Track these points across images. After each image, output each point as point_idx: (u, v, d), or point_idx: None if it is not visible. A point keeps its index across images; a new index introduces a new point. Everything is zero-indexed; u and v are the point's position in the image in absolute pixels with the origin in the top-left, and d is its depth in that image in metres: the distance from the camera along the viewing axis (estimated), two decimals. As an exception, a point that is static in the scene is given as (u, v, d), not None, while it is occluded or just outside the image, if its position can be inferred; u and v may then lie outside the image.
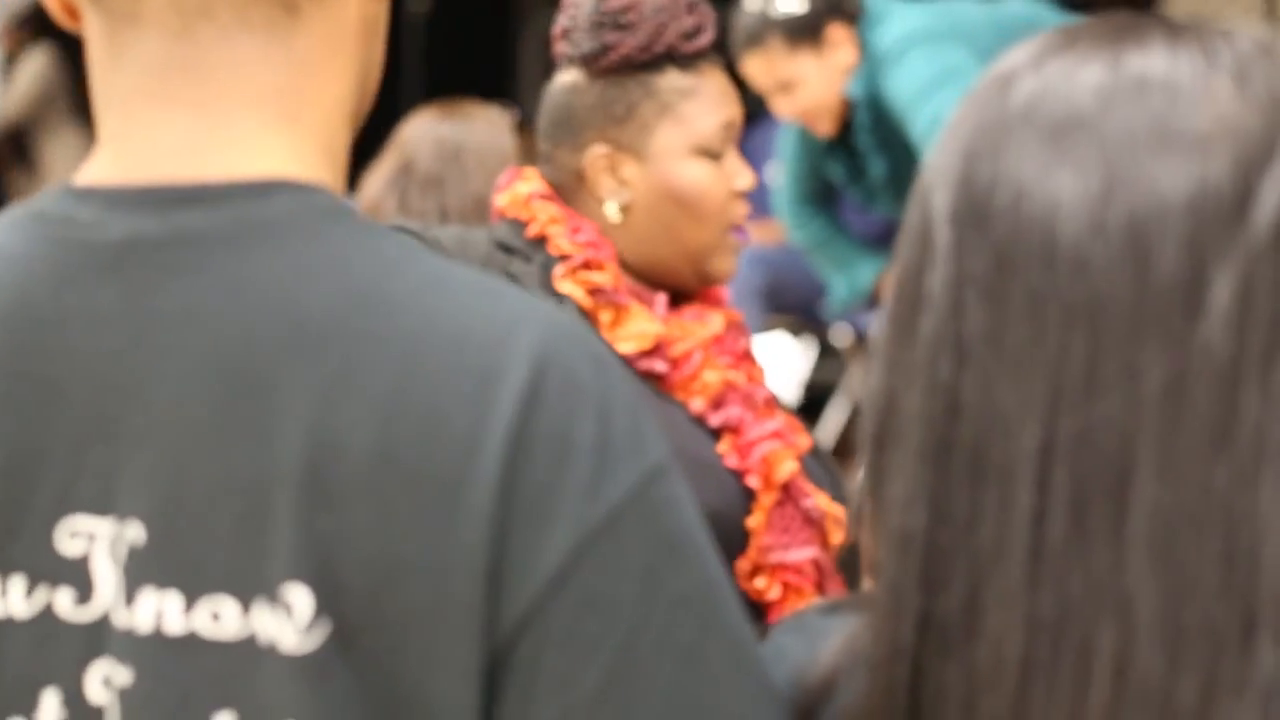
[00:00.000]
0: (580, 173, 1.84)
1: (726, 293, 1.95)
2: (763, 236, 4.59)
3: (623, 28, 1.82)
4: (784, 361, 3.74)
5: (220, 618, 0.75)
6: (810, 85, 3.30)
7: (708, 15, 1.85)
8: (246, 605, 0.75)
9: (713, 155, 1.84)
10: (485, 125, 2.49)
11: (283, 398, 0.75)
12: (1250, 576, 0.71)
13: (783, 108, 3.39)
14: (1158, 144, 0.74)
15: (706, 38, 1.84)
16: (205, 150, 0.80)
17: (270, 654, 0.74)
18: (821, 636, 0.84)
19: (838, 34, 3.25)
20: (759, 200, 4.48)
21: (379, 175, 2.53)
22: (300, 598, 0.74)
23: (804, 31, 3.26)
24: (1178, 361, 0.72)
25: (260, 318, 0.76)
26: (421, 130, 2.49)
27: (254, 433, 0.75)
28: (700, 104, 1.84)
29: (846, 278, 3.75)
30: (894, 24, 3.18)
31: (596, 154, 1.84)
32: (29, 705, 0.78)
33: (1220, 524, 0.72)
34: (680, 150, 1.84)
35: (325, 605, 0.74)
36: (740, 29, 3.34)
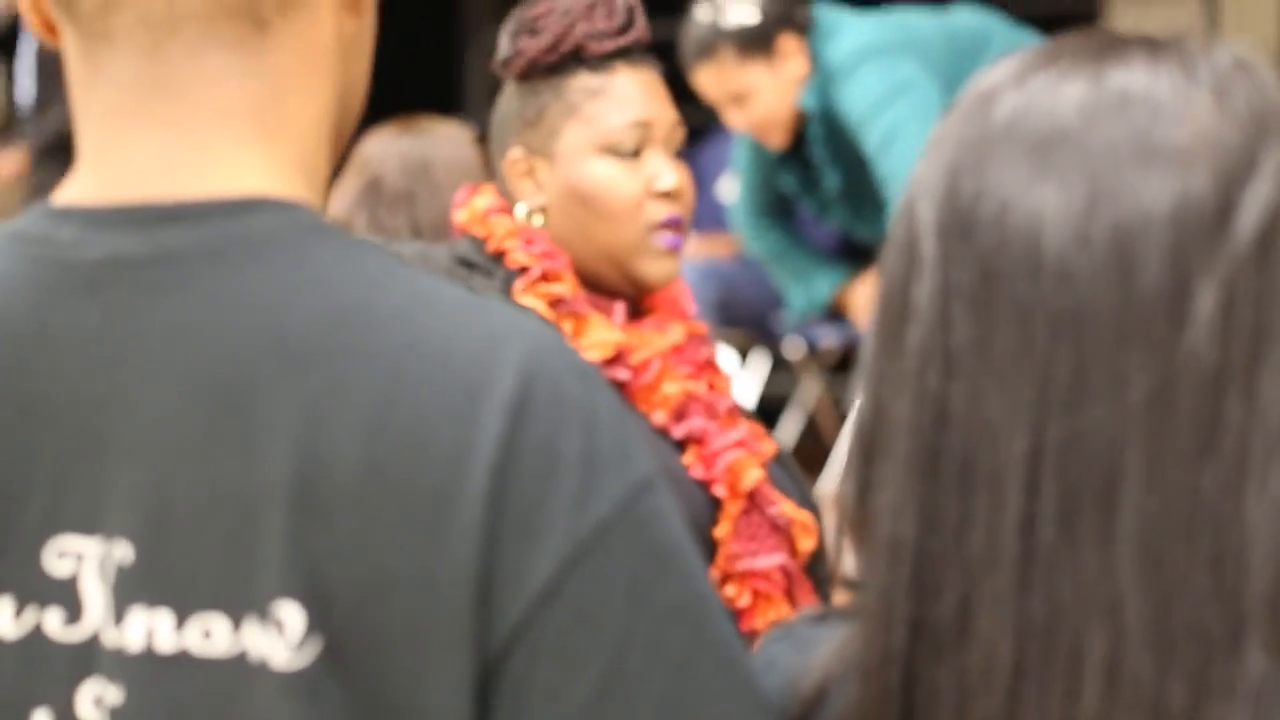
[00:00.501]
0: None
1: (688, 303, 1.96)
2: (715, 250, 4.60)
3: (533, 33, 1.84)
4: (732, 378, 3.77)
5: (211, 635, 0.75)
6: (762, 97, 3.32)
7: (624, 17, 1.85)
8: (237, 623, 0.75)
9: (621, 154, 1.83)
10: (448, 139, 2.48)
11: (269, 414, 0.75)
12: (1238, 581, 0.73)
13: (734, 119, 3.41)
14: (1140, 158, 0.76)
15: (619, 39, 1.84)
16: (182, 168, 0.80)
17: (261, 671, 0.74)
18: (812, 645, 0.85)
19: (789, 45, 3.27)
20: (712, 214, 4.49)
21: (343, 194, 2.52)
22: (291, 614, 0.74)
23: (755, 43, 3.27)
24: (1163, 370, 0.74)
25: (245, 335, 0.76)
26: (384, 147, 2.48)
27: (240, 449, 0.75)
28: (608, 103, 1.84)
29: (804, 289, 3.77)
30: (846, 37, 3.20)
31: (513, 159, 1.87)
32: None
33: (1207, 529, 0.73)
34: (585, 149, 1.84)
35: (316, 621, 0.74)
36: (691, 40, 3.35)
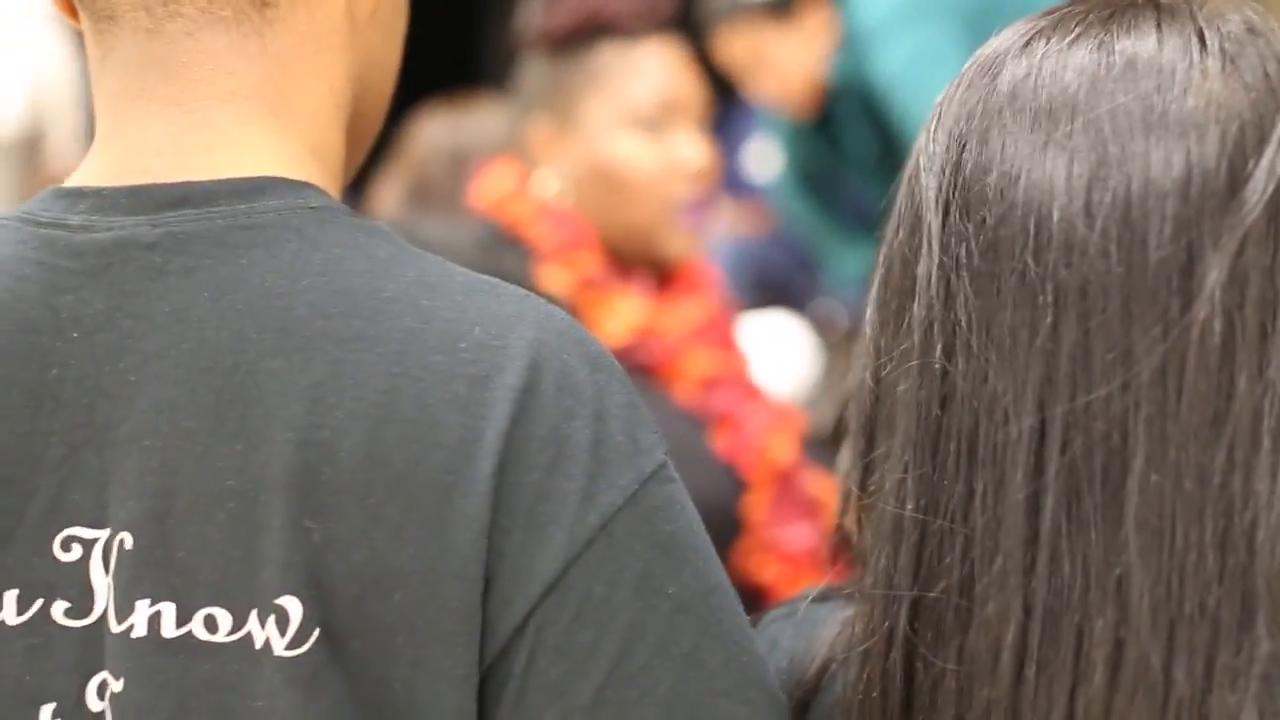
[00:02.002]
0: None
1: (713, 279, 1.94)
2: (747, 219, 4.57)
3: (558, 3, 1.82)
4: (786, 344, 3.72)
5: (214, 625, 0.74)
6: (785, 65, 3.27)
7: None
8: (239, 613, 0.74)
9: (646, 129, 1.81)
10: (491, 124, 2.46)
11: (272, 402, 0.74)
12: (1247, 562, 0.71)
13: (757, 89, 3.36)
14: (1148, 127, 0.73)
15: (643, 10, 1.82)
16: (188, 148, 0.79)
17: (263, 661, 0.73)
18: (814, 626, 0.83)
19: (813, 12, 3.22)
20: (743, 181, 4.45)
21: (391, 189, 2.51)
22: (292, 604, 0.73)
23: (778, 10, 3.22)
24: (1171, 345, 0.71)
25: (249, 321, 0.75)
26: (429, 143, 2.47)
27: (242, 438, 0.74)
28: (634, 77, 1.81)
29: (841, 260, 3.73)
30: (871, 0, 3.15)
31: (537, 131, 1.85)
32: (28, 717, 0.77)
33: (1216, 509, 0.71)
34: (609, 123, 1.81)
35: (316, 611, 0.73)
36: (713, 8, 3.30)
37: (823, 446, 1.89)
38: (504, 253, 1.81)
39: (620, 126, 1.80)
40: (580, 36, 1.83)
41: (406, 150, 2.53)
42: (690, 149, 1.81)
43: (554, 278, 1.79)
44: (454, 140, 2.47)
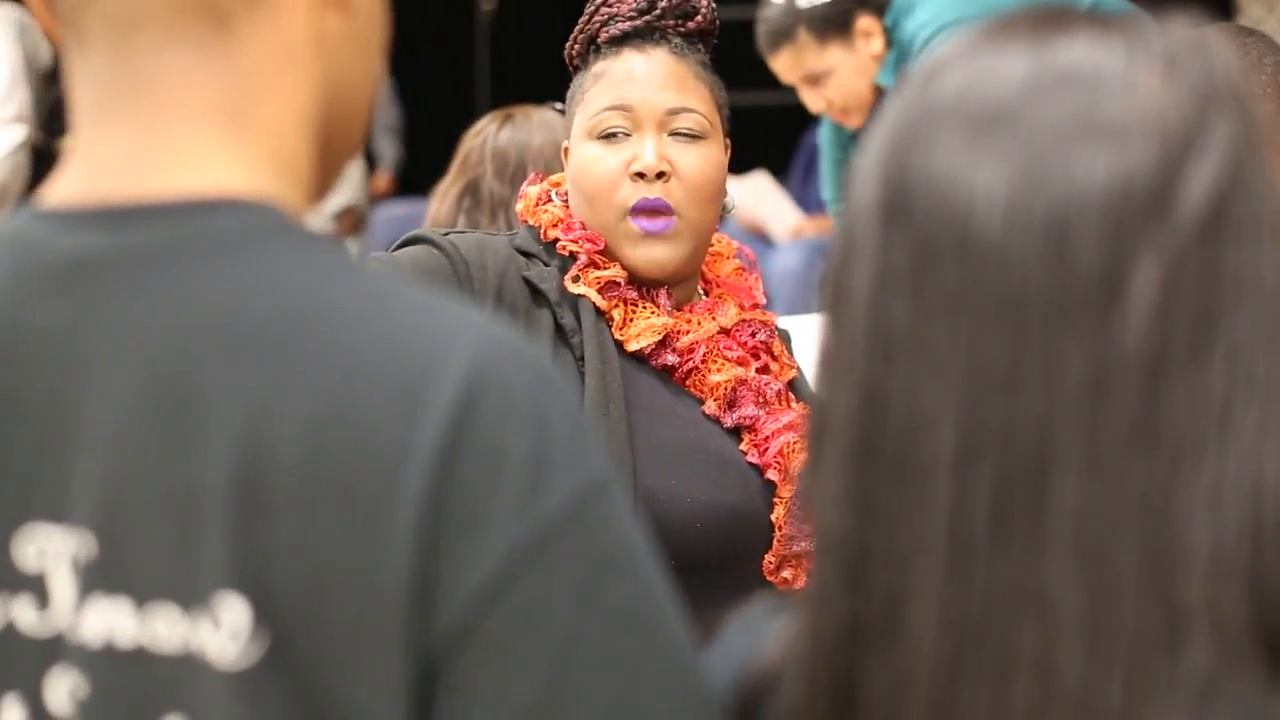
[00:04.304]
0: None
1: (754, 287, 1.93)
2: (822, 230, 4.57)
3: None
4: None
5: (164, 627, 0.75)
6: (841, 78, 3.26)
7: (645, 0, 1.84)
8: (186, 615, 0.75)
9: (604, 137, 1.82)
10: (544, 131, 2.48)
11: (215, 410, 0.75)
12: (1174, 576, 0.70)
13: (813, 102, 3.36)
14: (1079, 135, 0.73)
15: (629, 23, 1.83)
16: (150, 165, 0.81)
17: (208, 667, 0.74)
18: (765, 636, 0.83)
19: (867, 25, 3.22)
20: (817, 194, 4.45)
21: (444, 195, 2.53)
22: (234, 609, 0.73)
23: (833, 24, 3.22)
24: (1098, 357, 0.71)
25: (197, 332, 0.76)
26: (481, 150, 2.49)
27: (186, 444, 0.75)
28: (600, 88, 1.83)
29: None
30: (923, 12, 3.14)
31: (563, 148, 1.89)
32: None
33: (1144, 523, 0.70)
34: (580, 134, 1.84)
35: (262, 616, 0.73)
36: (768, 24, 3.31)
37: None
38: (536, 261, 1.82)
39: (586, 136, 1.83)
40: (583, 52, 1.87)
41: (464, 157, 2.54)
42: (641, 152, 1.80)
43: (580, 285, 1.80)
44: (499, 146, 2.49)
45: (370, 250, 6.27)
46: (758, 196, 4.83)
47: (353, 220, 6.59)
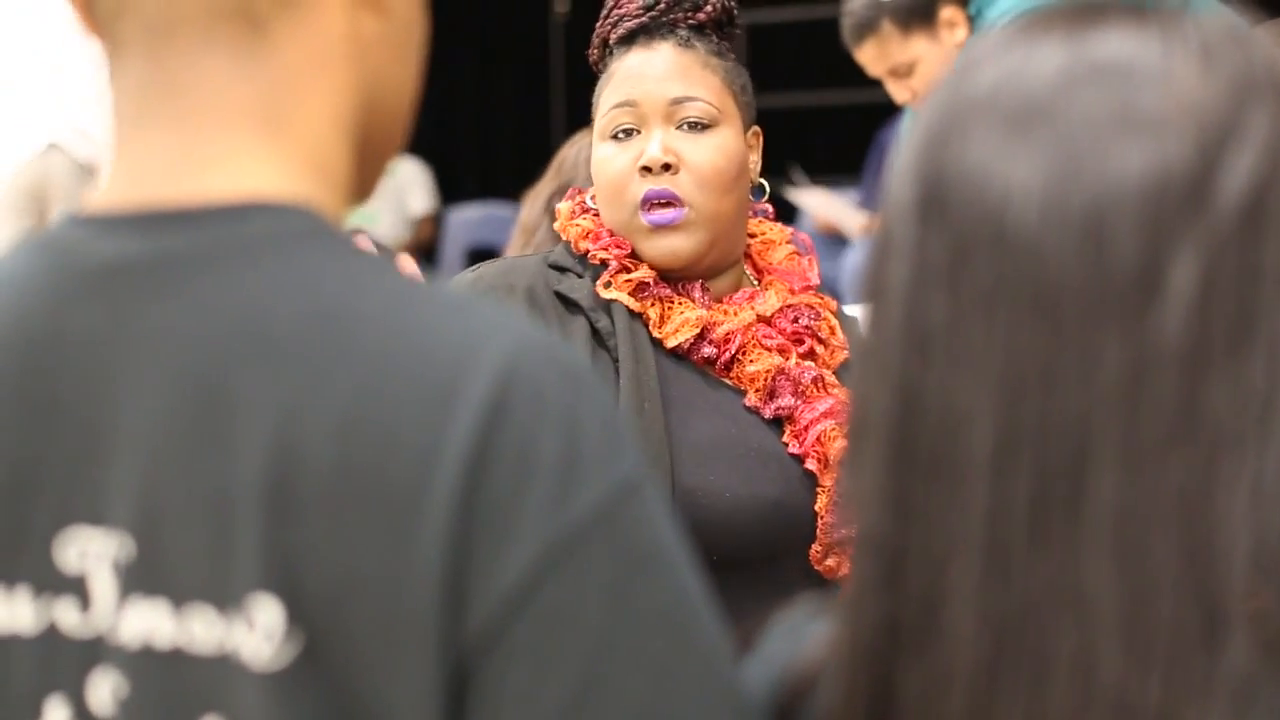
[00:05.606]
0: None
1: (803, 265, 1.93)
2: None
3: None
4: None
5: (201, 628, 0.76)
6: (926, 69, 3.25)
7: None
8: (222, 616, 0.76)
9: (614, 136, 1.83)
10: None
11: (247, 412, 0.75)
12: (1214, 573, 0.68)
13: (899, 94, 3.35)
14: (1117, 128, 0.71)
15: (632, 21, 1.84)
16: (186, 170, 0.81)
17: (244, 668, 0.75)
18: (805, 639, 0.82)
19: (950, 14, 3.20)
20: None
21: (536, 197, 2.56)
22: (268, 610, 0.74)
23: (917, 15, 3.21)
24: (1136, 352, 0.69)
25: (230, 336, 0.77)
26: (577, 152, 2.52)
27: (219, 447, 0.76)
28: (608, 88, 1.85)
29: None
30: (1006, 1, 3.12)
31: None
32: (34, 715, 0.80)
33: (1182, 520, 0.69)
34: (595, 137, 1.86)
35: (296, 617, 0.74)
36: (852, 16, 3.30)
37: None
38: (568, 275, 1.84)
39: (600, 138, 1.85)
40: (602, 57, 1.90)
41: (560, 163, 2.58)
42: (648, 146, 1.81)
43: (612, 291, 1.81)
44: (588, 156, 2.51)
45: (446, 254, 6.31)
46: (827, 200, 4.85)
47: (431, 226, 6.63)
